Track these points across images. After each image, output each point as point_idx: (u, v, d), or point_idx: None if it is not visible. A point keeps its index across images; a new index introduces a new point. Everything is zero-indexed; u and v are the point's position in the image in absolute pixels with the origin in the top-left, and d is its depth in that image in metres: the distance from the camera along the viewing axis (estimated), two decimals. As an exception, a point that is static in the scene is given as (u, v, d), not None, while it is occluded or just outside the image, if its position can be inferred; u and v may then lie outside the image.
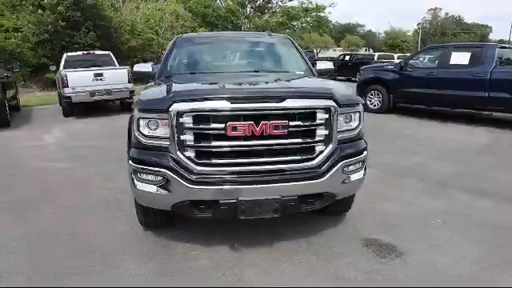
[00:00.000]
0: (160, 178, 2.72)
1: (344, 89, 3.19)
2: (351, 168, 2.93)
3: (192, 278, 2.74)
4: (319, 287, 2.64)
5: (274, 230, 3.35)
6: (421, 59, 8.61)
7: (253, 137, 2.64)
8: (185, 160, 2.69)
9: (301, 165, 2.77)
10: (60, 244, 3.24)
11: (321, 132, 2.76)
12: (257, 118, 2.63)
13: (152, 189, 2.77)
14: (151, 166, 2.75)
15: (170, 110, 2.62)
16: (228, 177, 2.70)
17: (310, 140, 2.76)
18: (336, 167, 2.81)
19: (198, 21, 26.95)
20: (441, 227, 3.44)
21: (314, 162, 2.78)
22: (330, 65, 4.30)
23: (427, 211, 3.76)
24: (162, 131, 2.72)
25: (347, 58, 22.44)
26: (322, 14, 28.04)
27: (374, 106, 9.45)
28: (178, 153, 2.68)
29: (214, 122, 2.63)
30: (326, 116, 2.74)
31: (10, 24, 20.20)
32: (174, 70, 3.97)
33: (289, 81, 3.52)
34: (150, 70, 4.04)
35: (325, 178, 2.78)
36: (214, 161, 2.71)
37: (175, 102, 2.64)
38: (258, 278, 2.72)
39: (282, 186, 2.72)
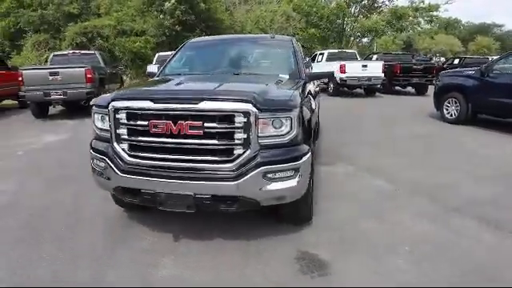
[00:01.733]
0: (103, 164, 3.07)
1: (281, 94, 3.06)
2: (278, 175, 2.80)
3: (124, 252, 3.08)
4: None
5: (231, 228, 3.42)
6: (510, 64, 7.31)
7: (171, 135, 2.80)
8: (120, 151, 2.99)
9: (217, 166, 2.80)
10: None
11: (239, 135, 2.74)
12: (176, 117, 2.77)
13: (99, 173, 3.15)
14: (99, 153, 3.14)
15: (109, 107, 2.96)
16: (150, 169, 2.92)
17: (227, 142, 2.77)
18: (253, 172, 2.74)
19: (302, 21, 27.10)
20: (400, 256, 3.01)
21: (232, 165, 2.77)
22: (327, 68, 4.07)
23: (405, 236, 3.31)
24: (107, 125, 3.04)
25: (456, 61, 19.99)
26: (435, 13, 25.41)
27: (451, 115, 8.35)
28: (115, 144, 3.00)
29: (140, 120, 2.88)
30: (245, 120, 2.70)
31: (138, 27, 23.28)
32: (168, 71, 4.31)
33: (247, 83, 3.50)
34: (156, 71, 4.41)
35: (238, 182, 2.74)
36: (140, 154, 2.96)
37: (113, 100, 2.98)
38: (171, 266, 2.88)
39: (196, 184, 2.80)
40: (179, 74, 4.11)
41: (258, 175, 2.75)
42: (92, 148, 3.25)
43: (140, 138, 2.91)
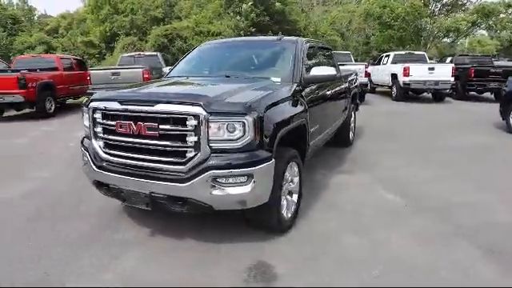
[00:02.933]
0: (86, 159, 3.30)
1: (241, 98, 2.92)
2: (230, 180, 2.73)
3: (101, 240, 3.30)
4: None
5: (210, 229, 3.43)
6: None
7: (133, 135, 2.92)
8: (97, 147, 3.19)
9: (171, 167, 2.83)
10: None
11: (191, 138, 2.74)
12: (136, 118, 2.89)
13: (84, 167, 3.41)
14: (84, 149, 3.39)
15: (89, 106, 3.18)
16: (117, 166, 3.07)
17: (179, 144, 2.79)
18: (202, 176, 2.71)
19: (374, 23, 25.78)
20: (361, 281, 2.72)
21: (184, 167, 2.78)
22: (328, 71, 3.84)
23: (383, 259, 2.97)
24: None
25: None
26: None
27: (518, 126, 7.31)
28: (93, 141, 3.21)
29: (111, 119, 3.05)
30: (195, 123, 2.70)
31: (215, 29, 24.28)
32: (172, 73, 4.43)
33: (222, 86, 3.44)
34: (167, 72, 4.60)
35: (187, 184, 2.75)
36: (111, 151, 3.12)
37: (92, 101, 3.20)
38: (132, 260, 2.98)
39: (152, 184, 2.87)
40: (179, 76, 4.22)
41: (208, 179, 2.72)
42: (81, 144, 3.50)
43: (110, 137, 3.08)
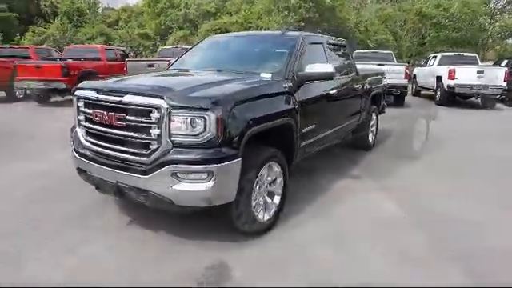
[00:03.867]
0: (72, 146, 3.36)
1: (209, 92, 2.79)
2: (190, 176, 2.63)
3: (77, 225, 3.34)
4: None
5: (186, 222, 3.36)
6: None
7: (105, 124, 2.93)
8: (80, 135, 3.23)
9: (136, 158, 2.78)
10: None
11: (154, 131, 2.67)
12: (108, 108, 2.89)
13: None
14: (71, 136, 3.44)
15: (74, 95, 3.24)
16: (93, 154, 3.09)
17: (144, 136, 2.73)
18: (162, 169, 2.64)
19: (429, 23, 24.19)
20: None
21: (147, 159, 2.72)
22: (324, 68, 3.58)
23: (349, 276, 2.73)
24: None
25: None
26: None
27: None
28: (77, 128, 3.25)
29: (89, 108, 3.07)
30: (158, 115, 2.63)
31: (263, 25, 24.24)
32: (173, 66, 4.40)
33: (200, 80, 3.34)
34: None
35: (149, 177, 2.69)
36: (90, 139, 3.14)
37: (77, 89, 3.24)
38: (99, 246, 2.99)
39: (119, 173, 2.85)
40: (176, 69, 4.18)
41: (167, 173, 2.63)
42: (70, 131, 3.55)
43: (89, 125, 3.10)
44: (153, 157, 2.68)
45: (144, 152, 2.73)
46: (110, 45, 26.79)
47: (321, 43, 4.37)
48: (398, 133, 7.59)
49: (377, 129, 6.40)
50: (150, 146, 2.70)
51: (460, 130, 8.27)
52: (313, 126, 3.84)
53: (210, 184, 2.64)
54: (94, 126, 3.02)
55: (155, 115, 2.63)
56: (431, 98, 13.38)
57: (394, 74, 11.03)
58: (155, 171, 2.66)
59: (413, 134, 7.60)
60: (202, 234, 3.17)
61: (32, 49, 11.89)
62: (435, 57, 13.52)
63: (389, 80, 10.97)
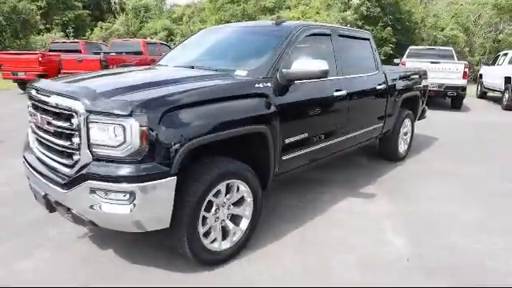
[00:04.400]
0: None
1: (137, 95, 2.21)
2: (111, 196, 2.11)
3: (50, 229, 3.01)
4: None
5: (143, 243, 2.88)
6: None
7: (39, 128, 2.56)
8: (28, 135, 2.85)
9: (63, 169, 2.31)
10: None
11: (75, 139, 2.19)
12: (41, 110, 2.50)
13: None
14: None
15: (26, 93, 2.92)
16: (34, 159, 2.68)
17: (68, 144, 2.26)
18: (80, 185, 2.15)
19: (507, 16, 21.24)
20: None
21: (70, 171, 2.24)
22: (315, 66, 2.84)
23: None
24: None
25: None
26: None
27: None
28: (28, 129, 2.87)
29: (32, 108, 2.69)
30: (76, 121, 2.15)
31: (321, 20, 23.26)
32: (160, 61, 3.88)
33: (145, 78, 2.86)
34: None
35: (68, 192, 2.21)
36: (32, 142, 2.75)
37: (28, 87, 2.85)
38: (38, 259, 2.58)
39: (46, 185, 2.40)
40: (159, 65, 3.70)
41: (86, 190, 2.14)
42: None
43: (32, 126, 2.72)
44: (76, 168, 2.21)
45: (68, 163, 2.27)
46: (171, 40, 27.49)
47: (328, 35, 3.58)
48: (443, 142, 6.42)
49: (412, 137, 5.39)
50: (74, 157, 2.23)
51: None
52: (303, 135, 3.12)
53: (134, 206, 2.09)
54: (35, 129, 2.65)
55: (75, 120, 2.16)
56: (498, 101, 11.55)
57: (451, 73, 9.61)
58: (75, 186, 2.18)
59: (461, 144, 6.37)
60: (151, 257, 2.66)
61: (82, 43, 12.26)
62: (506, 54, 11.60)
63: (444, 80, 9.68)
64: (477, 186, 4.31)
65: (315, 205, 3.65)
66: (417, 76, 5.34)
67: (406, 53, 11.61)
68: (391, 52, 20.42)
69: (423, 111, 5.83)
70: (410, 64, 9.67)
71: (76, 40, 14.76)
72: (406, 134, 5.19)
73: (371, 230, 3.18)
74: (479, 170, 4.92)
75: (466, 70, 9.64)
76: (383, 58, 19.83)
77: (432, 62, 9.67)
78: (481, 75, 13.27)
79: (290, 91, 2.95)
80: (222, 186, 2.50)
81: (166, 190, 2.17)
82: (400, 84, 4.72)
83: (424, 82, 5.63)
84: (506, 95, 10.32)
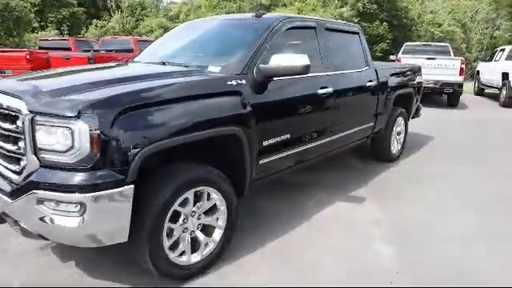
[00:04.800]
0: None
1: (92, 94, 1.96)
2: (61, 207, 1.86)
3: None
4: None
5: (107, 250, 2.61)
6: None
7: None
8: None
9: (12, 176, 2.04)
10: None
11: (22, 143, 1.94)
12: None
13: None
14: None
15: None
16: None
17: (13, 148, 2.00)
18: (27, 195, 1.89)
19: (505, 11, 20.98)
20: None
21: (19, 178, 1.98)
22: (296, 61, 2.57)
23: None
24: None
25: None
26: None
27: None
28: None
29: None
30: (21, 122, 1.91)
31: (317, 17, 22.90)
32: (136, 58, 3.60)
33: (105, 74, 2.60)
34: None
35: (15, 202, 1.95)
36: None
37: None
38: None
39: None
40: (133, 62, 3.42)
41: (32, 200, 1.88)
42: None
43: None
44: (22, 176, 1.95)
45: (15, 169, 2.01)
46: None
47: (312, 28, 3.31)
48: (438, 142, 6.16)
49: (405, 136, 5.13)
50: (21, 162, 1.97)
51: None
52: (284, 136, 2.86)
53: (85, 219, 1.84)
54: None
55: (19, 122, 1.92)
56: (496, 98, 11.28)
57: (447, 69, 9.34)
58: (21, 196, 1.92)
59: (457, 144, 6.11)
60: (116, 270, 2.40)
61: (72, 41, 11.95)
62: (503, 50, 11.31)
63: (440, 77, 9.41)
64: (474, 189, 4.05)
65: (300, 211, 3.39)
66: (410, 72, 5.08)
67: (402, 49, 11.34)
68: (388, 48, 20.18)
69: (417, 109, 5.57)
70: (405, 60, 9.39)
71: (66, 38, 14.43)
72: (399, 133, 4.93)
73: (358, 240, 2.92)
74: (476, 172, 4.65)
75: (463, 66, 9.36)
76: (379, 54, 19.60)
77: (428, 59, 9.39)
78: (478, 72, 12.99)
79: (268, 89, 2.68)
80: (189, 194, 2.24)
81: (121, 200, 1.91)
82: (392, 81, 4.45)
83: (418, 79, 5.37)
84: (504, 92, 10.06)
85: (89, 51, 10.14)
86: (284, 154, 2.91)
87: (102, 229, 1.94)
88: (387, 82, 4.32)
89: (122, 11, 27.87)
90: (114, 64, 3.43)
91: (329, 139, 3.40)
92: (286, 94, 2.84)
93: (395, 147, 4.87)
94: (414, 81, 5.13)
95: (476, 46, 24.33)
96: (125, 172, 1.89)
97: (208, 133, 2.24)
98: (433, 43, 12.86)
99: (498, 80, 10.52)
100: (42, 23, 23.89)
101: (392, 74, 4.47)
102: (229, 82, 2.44)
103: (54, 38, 13.96)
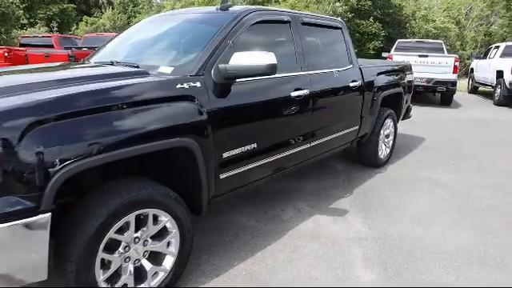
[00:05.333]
0: None
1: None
2: None
3: None
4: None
5: None
6: None
7: None
8: None
9: None
10: None
11: None
12: None
13: None
14: None
15: None
16: None
17: None
18: None
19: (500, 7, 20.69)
20: None
21: None
22: (257, 59, 2.20)
23: None
24: None
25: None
26: None
27: None
28: None
29: None
30: None
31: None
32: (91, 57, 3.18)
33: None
34: None
35: None
36: None
37: None
38: None
39: None
40: (87, 60, 3.03)
41: None
42: None
43: None
44: None
45: None
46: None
47: (286, 22, 2.93)
48: (430, 144, 5.82)
49: (395, 140, 4.78)
50: None
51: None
52: (250, 146, 2.49)
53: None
54: None
55: None
56: (490, 96, 10.95)
57: (441, 67, 8.99)
58: None
59: (450, 146, 5.77)
60: None
61: (55, 37, 11.49)
62: (498, 47, 10.97)
63: (433, 75, 9.06)
64: (468, 199, 3.70)
65: (275, 225, 3.03)
66: (400, 71, 4.72)
67: (394, 46, 10.97)
68: (381, 46, 19.85)
69: (408, 110, 5.22)
70: (397, 58, 9.04)
71: (49, 34, 13.94)
72: (387, 136, 4.58)
73: (337, 262, 2.56)
74: (471, 178, 4.31)
75: (457, 64, 9.01)
76: (373, 52, 19.28)
77: (420, 56, 9.05)
78: (472, 69, 12.66)
79: (231, 92, 2.31)
80: (130, 218, 1.88)
81: (34, 231, 1.55)
82: (379, 80, 4.09)
83: (409, 77, 5.01)
84: (498, 90, 9.73)
85: (70, 48, 9.70)
86: (251, 166, 2.54)
87: (14, 266, 1.58)
88: (373, 81, 3.96)
89: (113, 8, 27.31)
90: (57, 64, 3.03)
91: (306, 146, 3.03)
92: (252, 97, 2.48)
93: (383, 152, 4.52)
94: (403, 80, 4.77)
95: (470, 43, 24.04)
96: (37, 199, 1.52)
97: (150, 146, 1.86)
98: (426, 40, 12.51)
99: (492, 78, 10.19)
100: (32, 20, 23.34)
101: (379, 73, 4.11)
102: (179, 86, 2.06)
103: (36, 35, 13.46)
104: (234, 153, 2.38)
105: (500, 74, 9.65)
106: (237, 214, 3.19)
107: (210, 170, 2.21)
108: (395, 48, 10.76)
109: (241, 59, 2.21)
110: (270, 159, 2.69)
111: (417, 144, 5.66)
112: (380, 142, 4.39)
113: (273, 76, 2.46)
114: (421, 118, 7.43)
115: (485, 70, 11.02)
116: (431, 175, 4.29)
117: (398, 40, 11.70)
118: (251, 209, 3.29)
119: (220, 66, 2.23)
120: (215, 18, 2.65)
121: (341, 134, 3.52)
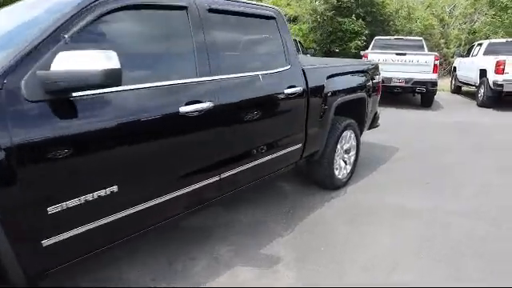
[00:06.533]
0: None
1: None
2: None
3: None
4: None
5: None
6: None
7: None
8: None
9: None
10: None
11: None
12: None
13: None
14: None
15: None
16: None
17: None
18: None
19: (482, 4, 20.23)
20: None
21: None
22: (88, 62, 1.37)
23: None
24: None
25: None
26: None
27: None
28: None
29: None
30: None
31: (292, 12, 21.98)
32: None
33: None
34: None
35: None
36: None
37: None
38: None
39: None
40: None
41: None
42: None
43: None
44: None
45: None
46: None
47: (180, 8, 2.09)
48: (404, 156, 5.04)
49: (357, 154, 3.97)
50: None
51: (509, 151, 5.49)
52: (106, 190, 1.66)
53: None
54: None
55: None
56: (473, 96, 10.25)
57: (420, 66, 8.27)
58: None
59: (427, 159, 4.98)
60: None
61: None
62: (481, 44, 10.28)
63: (412, 74, 8.33)
64: (443, 235, 2.91)
65: (177, 283, 2.21)
66: (363, 72, 3.93)
67: (372, 44, 10.23)
68: (364, 44, 19.19)
69: (375, 118, 4.43)
70: (372, 56, 8.30)
71: None
72: (347, 151, 3.78)
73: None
74: (448, 202, 3.52)
75: (437, 62, 8.26)
76: (354, 51, 18.63)
77: (398, 54, 8.31)
78: (455, 68, 11.97)
79: (62, 113, 1.48)
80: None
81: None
82: (332, 84, 3.27)
83: (376, 79, 4.23)
84: (482, 90, 9.02)
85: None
86: (109, 220, 1.70)
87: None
88: (323, 86, 3.14)
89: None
90: None
91: (212, 181, 2.20)
92: (104, 119, 1.64)
93: (341, 171, 3.71)
94: (368, 82, 3.97)
95: (454, 41, 23.56)
96: None
97: None
98: (405, 37, 11.81)
99: (475, 77, 9.49)
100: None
101: (331, 76, 3.29)
102: None
103: None
104: (72, 204, 1.54)
105: (483, 73, 8.95)
106: (125, 266, 2.35)
107: (17, 236, 1.38)
108: (372, 46, 10.01)
109: (61, 63, 1.38)
110: (141, 207, 1.84)
111: (388, 156, 4.85)
112: (337, 159, 3.59)
113: (133, 87, 1.64)
114: (396, 123, 6.68)
115: (468, 68, 10.32)
116: (400, 200, 3.50)
117: (376, 37, 10.96)
118: (150, 259, 2.46)
119: (39, 73, 1.40)
120: (56, 4, 1.79)
121: (273, 156, 2.68)
